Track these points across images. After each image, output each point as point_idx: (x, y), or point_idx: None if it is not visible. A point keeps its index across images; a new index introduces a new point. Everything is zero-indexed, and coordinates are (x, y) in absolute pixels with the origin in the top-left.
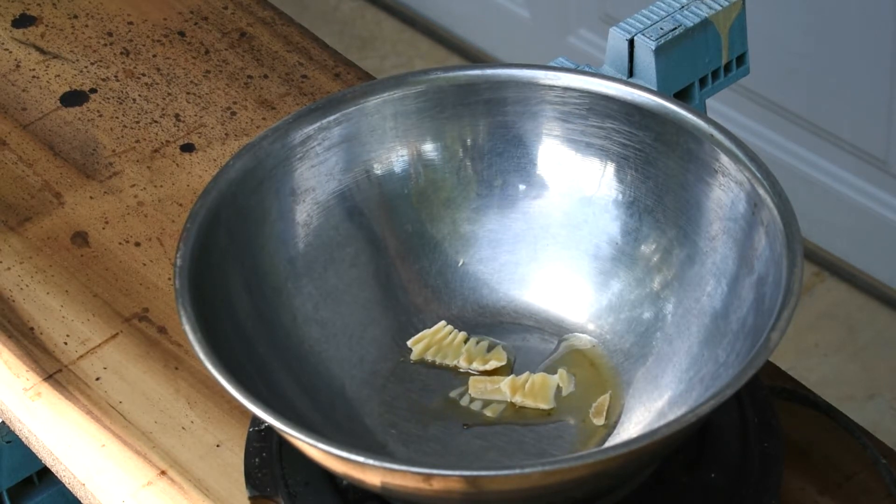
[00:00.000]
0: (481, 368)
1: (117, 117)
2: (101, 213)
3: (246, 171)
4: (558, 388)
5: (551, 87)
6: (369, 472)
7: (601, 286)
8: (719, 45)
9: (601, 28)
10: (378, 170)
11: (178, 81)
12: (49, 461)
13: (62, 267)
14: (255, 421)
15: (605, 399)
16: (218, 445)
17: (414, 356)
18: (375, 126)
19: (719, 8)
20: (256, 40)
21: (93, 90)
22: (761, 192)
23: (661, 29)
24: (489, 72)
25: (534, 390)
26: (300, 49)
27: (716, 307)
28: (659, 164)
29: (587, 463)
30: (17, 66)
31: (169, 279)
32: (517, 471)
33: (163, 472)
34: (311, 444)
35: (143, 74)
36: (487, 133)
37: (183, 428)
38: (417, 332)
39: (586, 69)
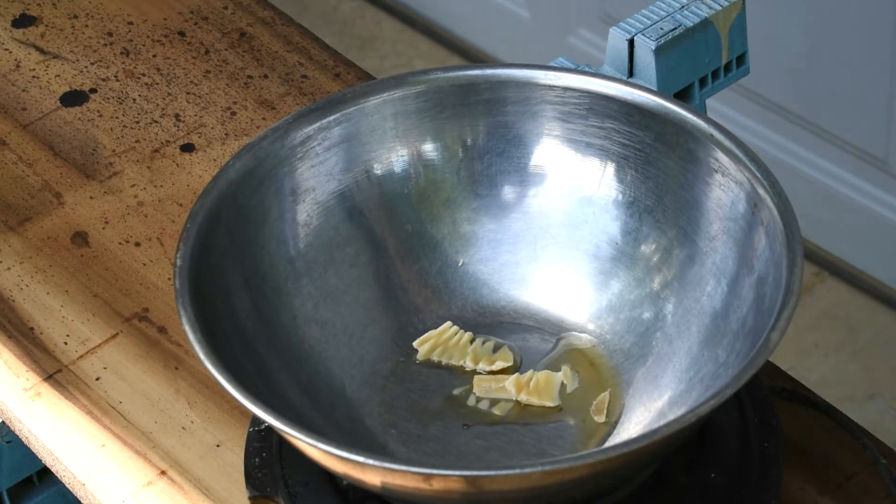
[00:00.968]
0: (488, 369)
1: (117, 117)
2: (101, 213)
3: (246, 171)
4: (562, 386)
5: (551, 87)
6: (369, 472)
7: (601, 286)
8: (719, 45)
9: (601, 28)
10: (378, 170)
11: (178, 81)
12: (49, 461)
13: (62, 267)
14: (255, 421)
15: (604, 396)
16: (218, 445)
17: (420, 357)
18: (375, 126)
19: (719, 8)
20: (256, 40)
21: (93, 90)
22: (761, 192)
23: (661, 29)
24: (489, 72)
25: (538, 388)
26: (300, 49)
27: (716, 307)
28: (659, 164)
29: (587, 463)
30: (17, 66)
31: (169, 279)
32: (517, 471)
33: (163, 472)
34: (311, 444)
35: (143, 74)
36: (487, 133)
37: (183, 428)
38: (417, 332)
39: (586, 69)
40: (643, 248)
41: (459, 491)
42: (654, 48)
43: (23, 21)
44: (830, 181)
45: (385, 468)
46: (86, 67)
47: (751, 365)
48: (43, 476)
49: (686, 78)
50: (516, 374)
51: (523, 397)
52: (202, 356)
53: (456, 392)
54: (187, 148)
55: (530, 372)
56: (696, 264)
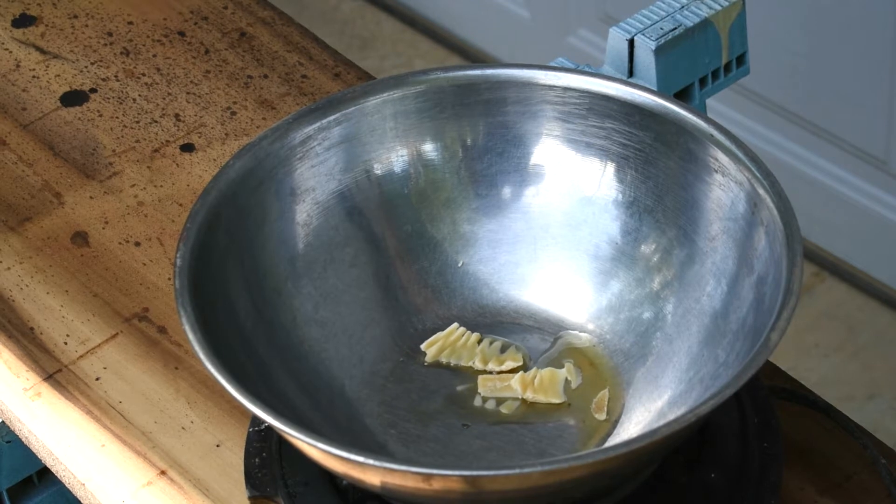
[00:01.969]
0: (498, 369)
1: (117, 117)
2: (101, 213)
3: (246, 171)
4: (567, 382)
5: (551, 87)
6: (369, 472)
7: (601, 286)
8: (719, 45)
9: (601, 28)
10: (378, 170)
11: (178, 81)
12: (49, 461)
13: (62, 267)
14: (255, 421)
15: (604, 394)
16: (218, 445)
17: (428, 359)
18: (375, 126)
19: (719, 8)
20: (256, 40)
21: (93, 90)
22: (761, 191)
23: (661, 29)
24: (489, 72)
25: (543, 385)
26: (300, 49)
27: (716, 307)
28: (659, 164)
29: (587, 463)
30: (17, 66)
31: (169, 279)
32: (517, 471)
33: (163, 472)
34: (311, 444)
35: (143, 74)
36: (487, 133)
37: (183, 428)
38: (417, 332)
39: (586, 69)
40: (643, 248)
41: (459, 491)
42: (654, 48)
43: (23, 21)
44: (830, 181)
45: (385, 468)
46: (86, 67)
47: (751, 365)
48: (43, 476)
49: (686, 78)
50: (521, 373)
51: (529, 395)
52: (202, 356)
53: (460, 388)
54: (187, 148)
55: (534, 370)
56: (696, 264)
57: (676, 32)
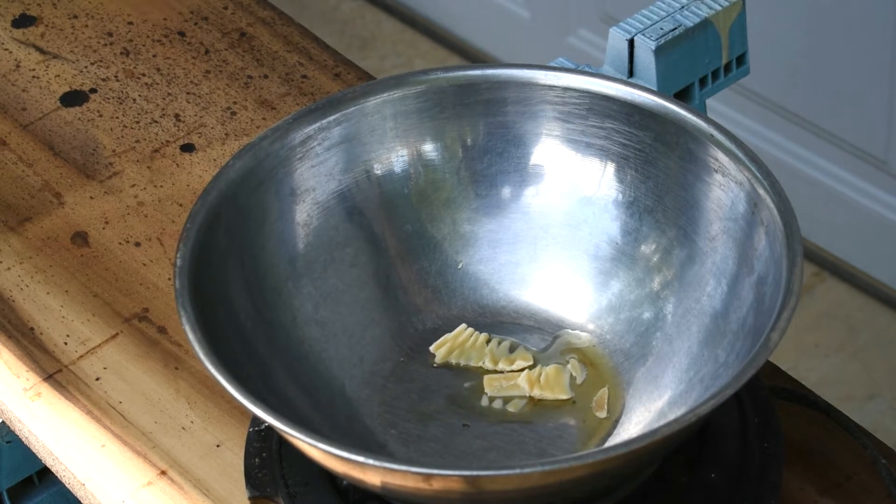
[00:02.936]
0: (508, 369)
1: (117, 117)
2: (101, 213)
3: (246, 171)
4: (572, 378)
5: (551, 87)
6: (369, 472)
7: (601, 286)
8: (719, 45)
9: (601, 28)
10: (378, 170)
11: (178, 81)
12: (49, 461)
13: (62, 267)
14: (255, 421)
15: (604, 392)
16: (218, 445)
17: (438, 360)
18: (375, 126)
19: (719, 8)
20: (256, 40)
21: (93, 90)
22: (761, 192)
23: (661, 29)
24: (489, 72)
25: (549, 382)
26: (300, 49)
27: (716, 307)
28: (659, 164)
29: (587, 463)
30: (17, 66)
31: (169, 279)
32: (517, 471)
33: (163, 473)
34: (311, 444)
35: (143, 74)
36: (487, 133)
37: (183, 428)
38: (417, 332)
39: (586, 69)
40: (643, 248)
41: (459, 491)
42: (654, 48)
43: (23, 21)
44: (830, 181)
45: (385, 468)
46: (86, 67)
47: (751, 365)
48: (43, 476)
49: (686, 78)
50: (526, 371)
51: (536, 393)
52: (202, 356)
53: (467, 385)
54: (187, 148)
55: (538, 367)
56: (696, 264)
57: (676, 32)
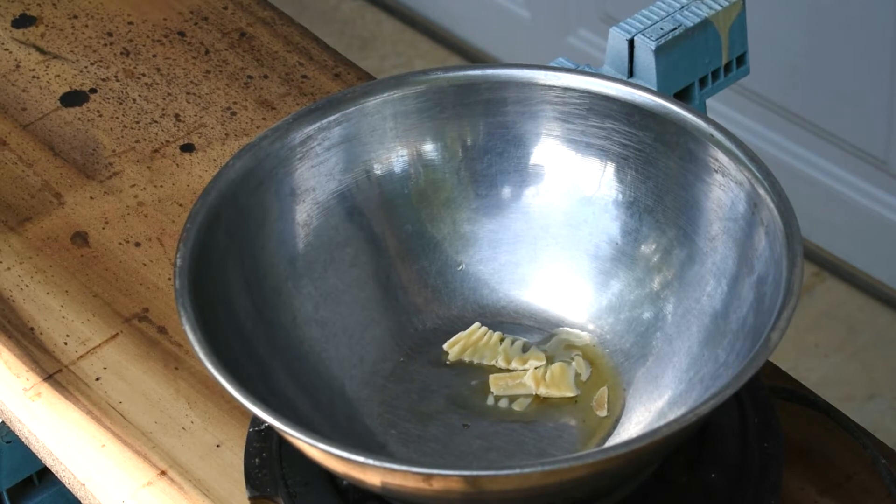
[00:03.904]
0: (521, 368)
1: (117, 117)
2: (101, 213)
3: (246, 171)
4: (576, 375)
5: (551, 87)
6: (369, 472)
7: (601, 286)
8: (719, 45)
9: (601, 28)
10: (378, 170)
11: (178, 81)
12: (49, 461)
13: (62, 267)
14: (255, 421)
15: (603, 391)
16: (218, 445)
17: (451, 358)
18: (375, 126)
19: (719, 8)
20: (256, 40)
21: (93, 90)
22: (761, 192)
23: (661, 29)
24: (489, 72)
25: (555, 380)
26: (300, 49)
27: (716, 307)
28: (659, 164)
29: (587, 463)
30: (17, 66)
31: (169, 279)
32: (517, 471)
33: (163, 473)
34: (311, 444)
35: (143, 74)
36: (487, 133)
37: (183, 428)
38: (417, 332)
39: (586, 69)
40: (643, 248)
41: (459, 491)
42: (654, 48)
43: (23, 21)
44: (830, 181)
45: (385, 468)
46: (86, 67)
47: (751, 365)
48: (43, 476)
49: (686, 78)
50: (532, 369)
51: (542, 391)
52: (202, 356)
53: (473, 383)
54: (187, 148)
55: (542, 365)
56: (696, 264)
57: (676, 32)
